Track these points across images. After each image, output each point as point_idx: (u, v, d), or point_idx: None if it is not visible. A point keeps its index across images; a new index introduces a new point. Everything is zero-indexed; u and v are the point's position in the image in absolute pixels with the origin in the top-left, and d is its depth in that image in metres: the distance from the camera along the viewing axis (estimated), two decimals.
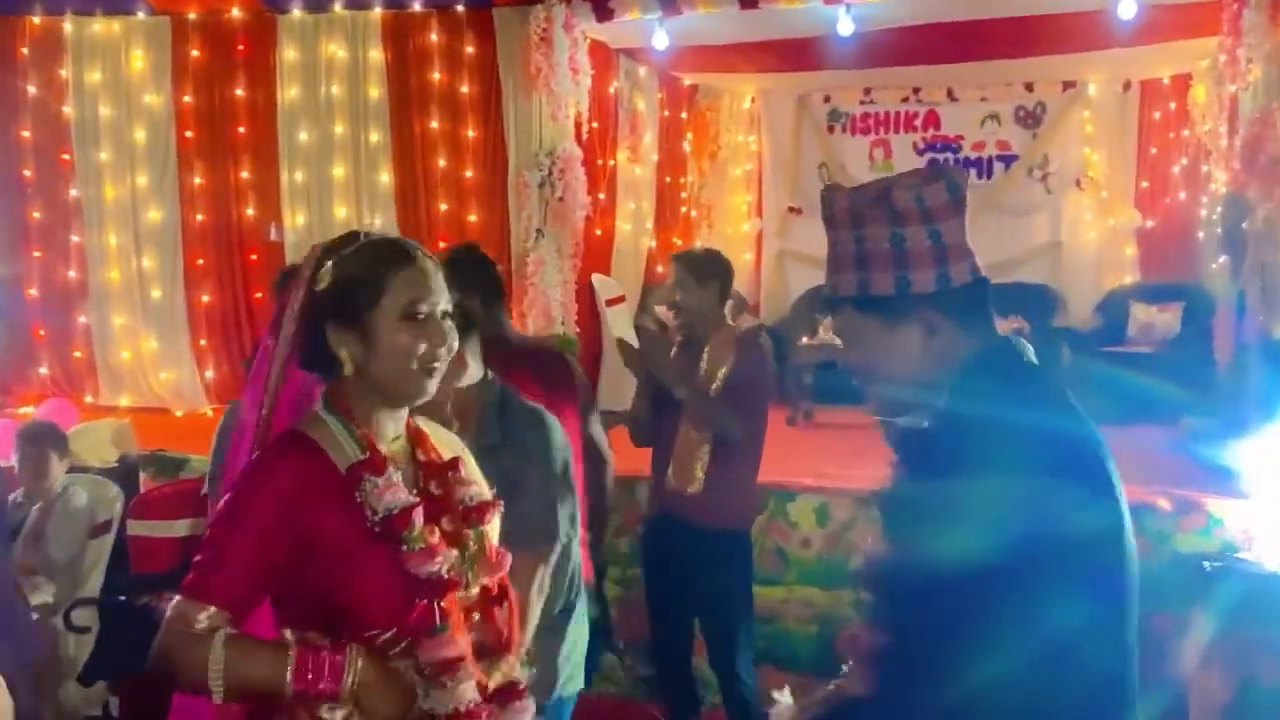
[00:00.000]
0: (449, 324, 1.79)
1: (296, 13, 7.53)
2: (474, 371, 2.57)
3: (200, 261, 7.71)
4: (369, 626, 1.67)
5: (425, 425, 1.91)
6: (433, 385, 1.78)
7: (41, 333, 7.81)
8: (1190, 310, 7.84)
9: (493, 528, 1.87)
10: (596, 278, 7.85)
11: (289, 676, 1.63)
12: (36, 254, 7.80)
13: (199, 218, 7.73)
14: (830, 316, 1.65)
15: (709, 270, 3.85)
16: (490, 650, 1.80)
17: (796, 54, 8.04)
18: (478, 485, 1.89)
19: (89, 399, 7.61)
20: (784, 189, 9.67)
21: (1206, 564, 4.36)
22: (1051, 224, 9.12)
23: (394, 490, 1.71)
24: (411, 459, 1.84)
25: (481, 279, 3.21)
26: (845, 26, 6.77)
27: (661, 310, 8.52)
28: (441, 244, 7.56)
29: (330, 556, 1.67)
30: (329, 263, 1.75)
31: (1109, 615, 1.47)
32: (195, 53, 7.62)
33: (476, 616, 1.80)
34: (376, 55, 7.53)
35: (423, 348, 1.75)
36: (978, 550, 1.36)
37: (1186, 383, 6.50)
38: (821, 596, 4.81)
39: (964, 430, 1.46)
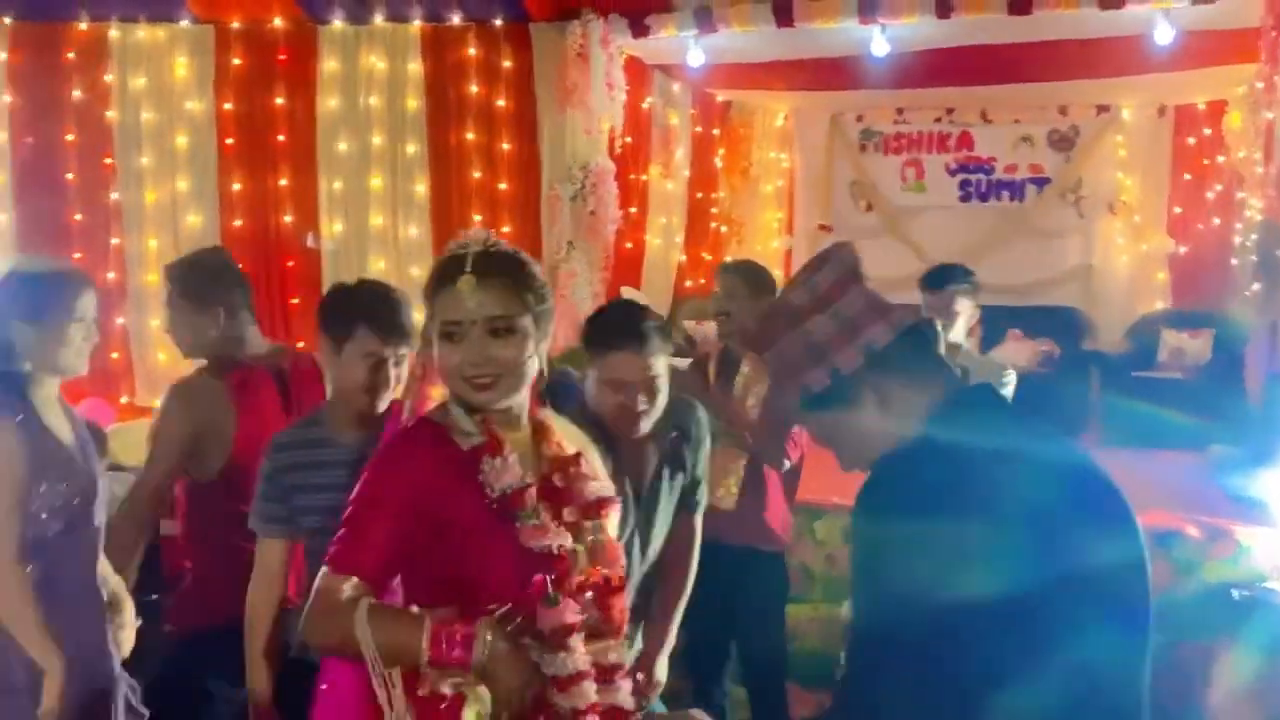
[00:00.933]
0: (495, 337, 1.87)
1: (337, 24, 7.64)
2: None
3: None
4: (490, 600, 1.80)
5: (554, 420, 2.03)
6: (487, 396, 1.88)
7: None
8: (1221, 337, 7.81)
9: (610, 522, 1.99)
10: (626, 291, 7.91)
11: (425, 644, 1.74)
12: (77, 256, 7.91)
13: (237, 223, 7.84)
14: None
15: (764, 283, 3.81)
16: (598, 633, 1.91)
17: (830, 73, 8.08)
18: (599, 481, 2.01)
19: (125, 399, 7.73)
20: (815, 207, 9.70)
21: (1235, 593, 4.34)
22: (1083, 247, 9.10)
23: (510, 471, 1.85)
24: (535, 450, 1.96)
25: None
26: (880, 47, 6.81)
27: (691, 324, 8.57)
28: None
29: (456, 533, 1.81)
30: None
31: (1132, 648, 1.49)
32: (237, 61, 7.74)
33: (589, 596, 1.91)
34: (415, 67, 7.63)
35: (455, 360, 1.85)
36: (992, 587, 1.39)
37: (1216, 410, 6.48)
38: (848, 614, 4.79)
39: (951, 463, 1.48)
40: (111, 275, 7.92)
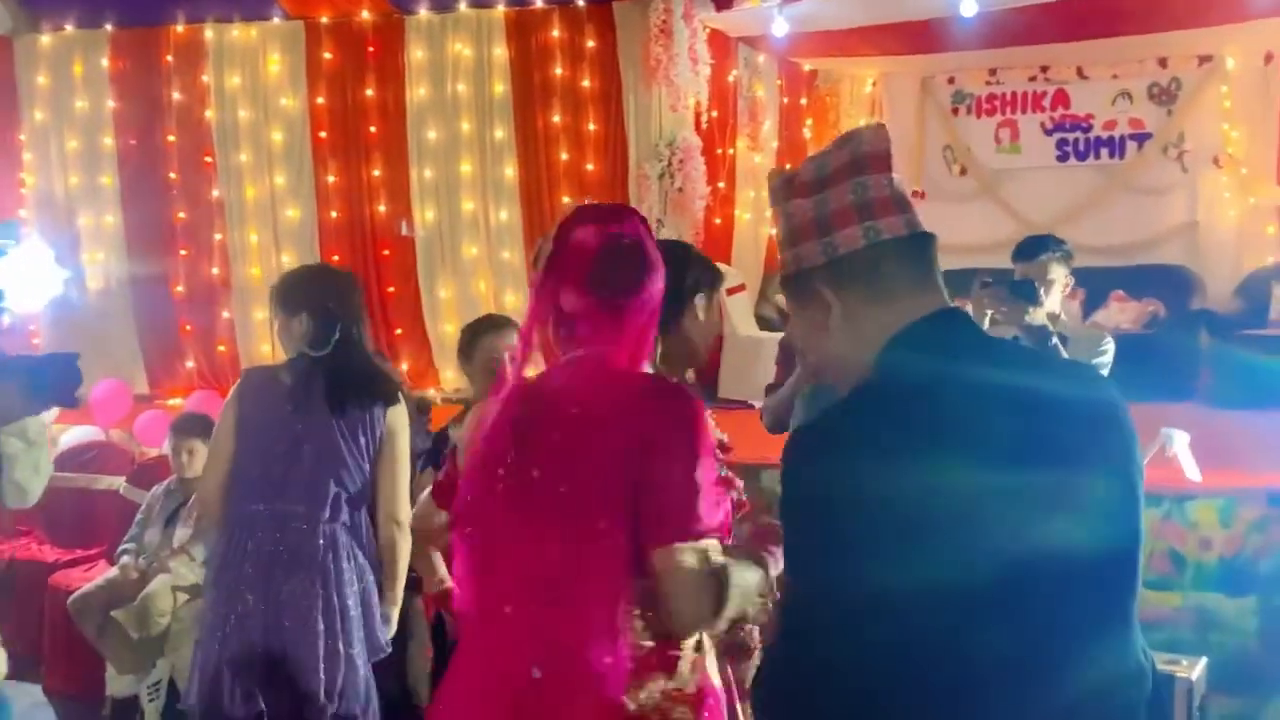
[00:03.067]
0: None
1: (424, 13, 7.74)
2: None
3: (335, 257, 7.98)
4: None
5: None
6: None
7: (188, 328, 8.20)
8: None
9: None
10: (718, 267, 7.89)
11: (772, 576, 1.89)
12: (183, 253, 8.18)
13: (333, 215, 8.01)
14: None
15: None
16: None
17: (919, 36, 7.92)
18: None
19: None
20: (907, 173, 9.52)
21: None
22: (1188, 203, 8.80)
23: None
24: None
25: None
26: (969, 8, 6.66)
27: (782, 299, 8.53)
28: None
29: None
30: None
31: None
32: (328, 55, 7.89)
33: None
34: (500, 52, 7.69)
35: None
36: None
37: None
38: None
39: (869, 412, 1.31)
40: (216, 270, 8.17)
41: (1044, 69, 8.99)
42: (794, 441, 1.38)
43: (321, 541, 3.08)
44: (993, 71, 9.13)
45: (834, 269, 1.38)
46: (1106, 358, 3.87)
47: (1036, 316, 3.54)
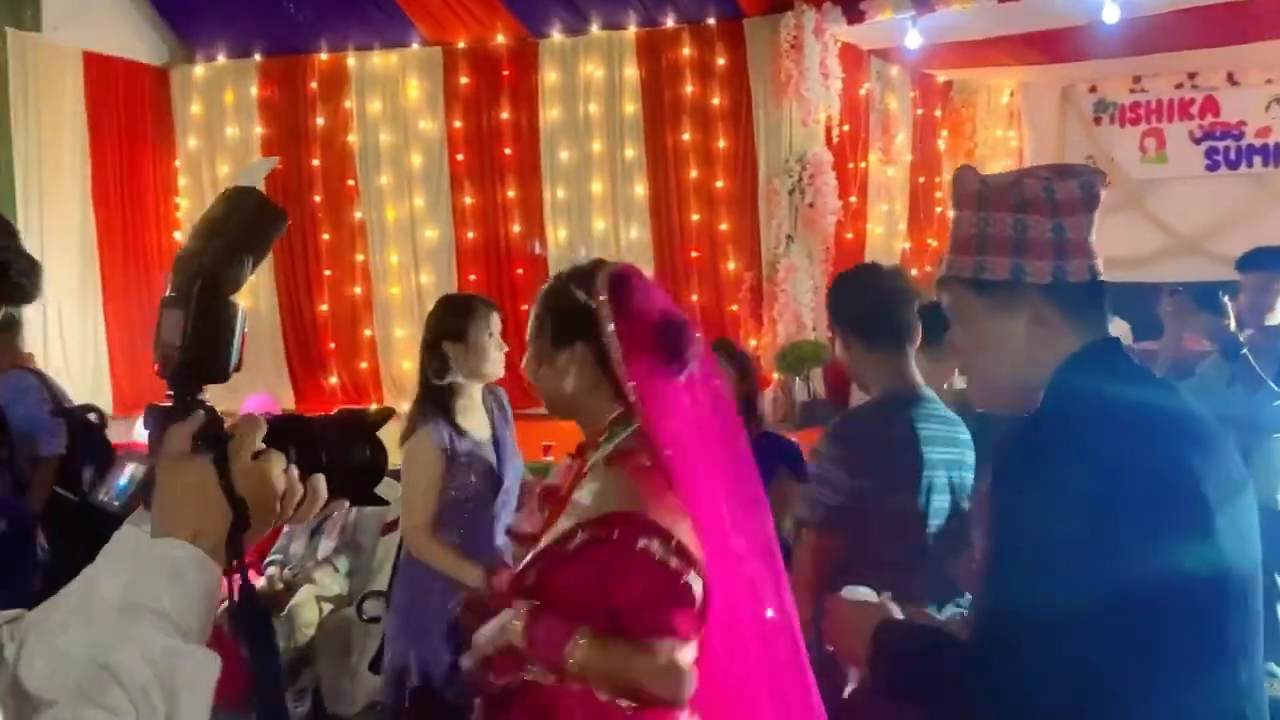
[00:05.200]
0: None
1: (556, 36, 7.87)
2: None
3: (472, 277, 8.16)
4: None
5: None
6: None
7: (332, 345, 8.48)
8: None
9: None
10: None
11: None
12: (327, 273, 8.47)
13: (470, 235, 8.19)
14: (942, 293, 1.63)
15: None
16: None
17: (1059, 44, 7.72)
18: None
19: (374, 407, 8.19)
20: None
21: None
22: None
23: None
24: None
25: None
26: (1111, 14, 6.47)
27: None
28: (693, 253, 7.73)
29: None
30: None
31: (1203, 662, 1.39)
32: (464, 80, 8.09)
33: None
34: (631, 72, 7.77)
35: None
36: (1054, 569, 1.34)
37: None
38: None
39: (1056, 438, 1.43)
40: (358, 290, 8.42)
41: (1191, 75, 8.68)
42: (1004, 455, 1.49)
43: None
44: (1137, 79, 8.84)
45: (1056, 290, 1.49)
46: None
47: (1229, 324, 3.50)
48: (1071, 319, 1.51)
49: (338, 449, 1.15)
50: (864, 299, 2.67)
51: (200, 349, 1.11)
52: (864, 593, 1.71)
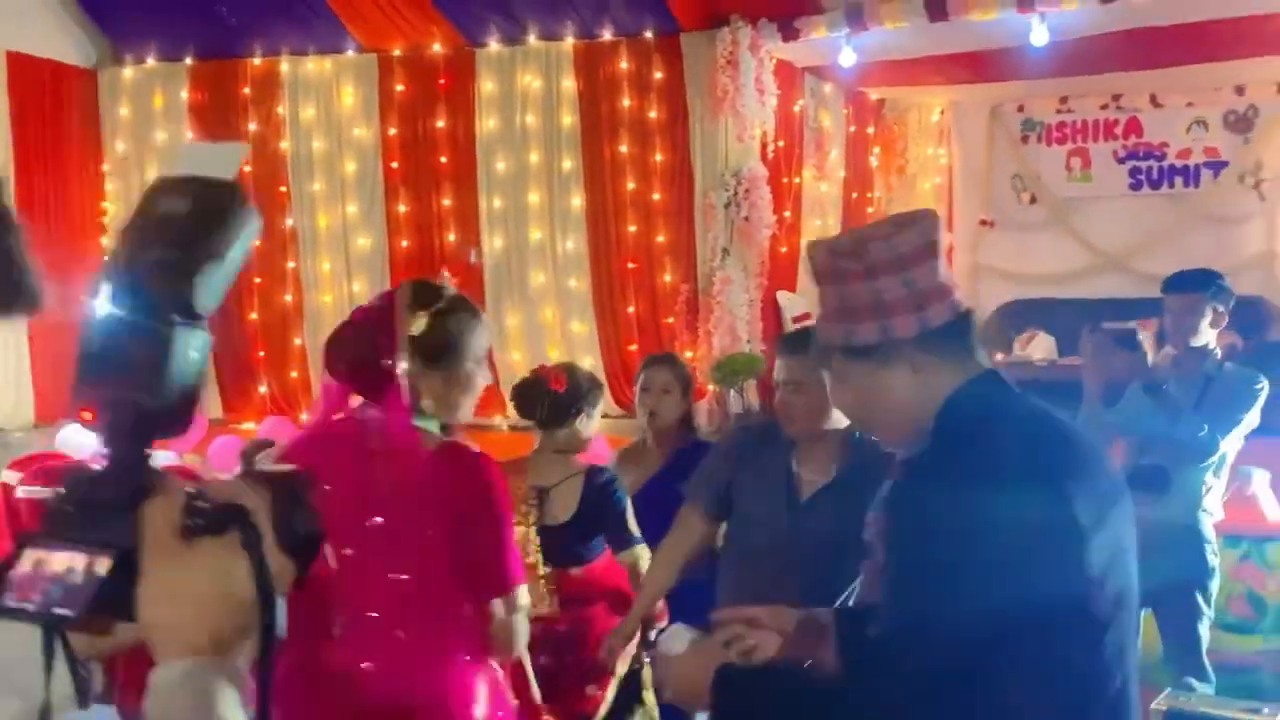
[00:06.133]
0: None
1: (494, 46, 7.85)
2: None
3: None
4: None
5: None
6: None
7: (261, 354, 8.36)
8: None
9: None
10: (783, 295, 7.87)
11: None
12: (257, 280, 8.35)
13: (404, 243, 8.13)
14: (822, 361, 1.77)
15: None
16: None
17: (988, 64, 7.87)
18: None
19: (305, 416, 8.08)
20: (976, 202, 9.46)
21: None
22: (1266, 233, 8.64)
23: None
24: None
25: None
26: (1039, 36, 6.61)
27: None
28: (630, 265, 7.75)
29: None
30: None
31: (1077, 677, 1.50)
32: (400, 87, 8.03)
33: None
34: (569, 84, 7.77)
35: None
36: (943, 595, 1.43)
37: None
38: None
39: (940, 471, 1.55)
40: (289, 298, 8.32)
41: (1116, 97, 8.90)
42: (909, 484, 1.62)
43: None
44: (1063, 99, 9.05)
45: (925, 339, 1.60)
46: (1257, 401, 3.86)
47: (1155, 358, 3.63)
48: (946, 358, 1.62)
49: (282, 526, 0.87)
50: None
51: (174, 396, 0.86)
52: (681, 633, 1.77)
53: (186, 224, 0.87)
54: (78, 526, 0.81)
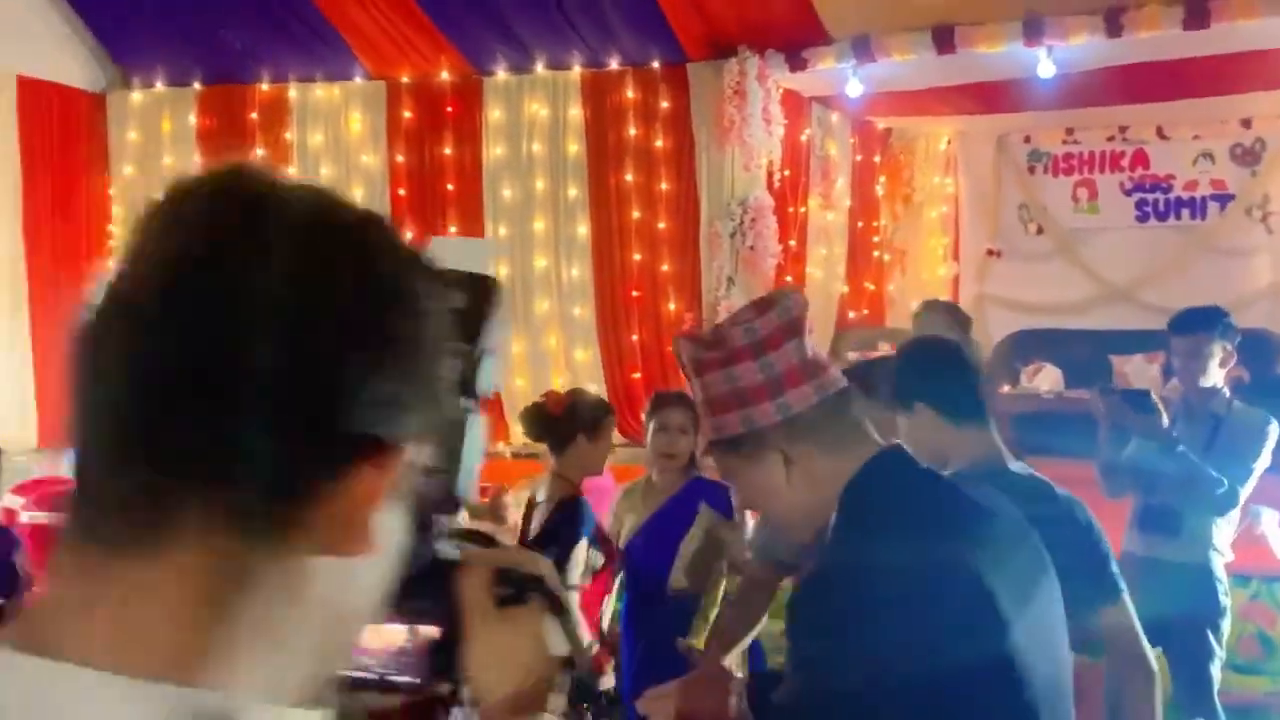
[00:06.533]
0: None
1: (501, 74, 7.88)
2: None
3: None
4: None
5: None
6: None
7: None
8: None
9: None
10: None
11: None
12: None
13: None
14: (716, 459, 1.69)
15: (966, 320, 3.92)
16: None
17: (995, 95, 7.89)
18: None
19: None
20: (982, 232, 9.45)
21: None
22: (1273, 266, 8.61)
23: None
24: None
25: None
26: (1046, 69, 6.63)
27: (854, 356, 8.44)
28: (634, 293, 7.75)
29: None
30: None
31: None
32: (408, 114, 8.06)
33: None
34: (576, 113, 7.80)
35: None
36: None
37: None
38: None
39: (843, 561, 1.45)
40: None
41: (1123, 129, 8.89)
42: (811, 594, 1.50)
43: None
44: (1070, 131, 9.05)
45: (789, 426, 1.49)
46: (1268, 446, 3.85)
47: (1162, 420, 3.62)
48: (824, 445, 1.51)
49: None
50: (948, 376, 2.64)
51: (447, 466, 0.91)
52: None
53: (470, 320, 0.94)
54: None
